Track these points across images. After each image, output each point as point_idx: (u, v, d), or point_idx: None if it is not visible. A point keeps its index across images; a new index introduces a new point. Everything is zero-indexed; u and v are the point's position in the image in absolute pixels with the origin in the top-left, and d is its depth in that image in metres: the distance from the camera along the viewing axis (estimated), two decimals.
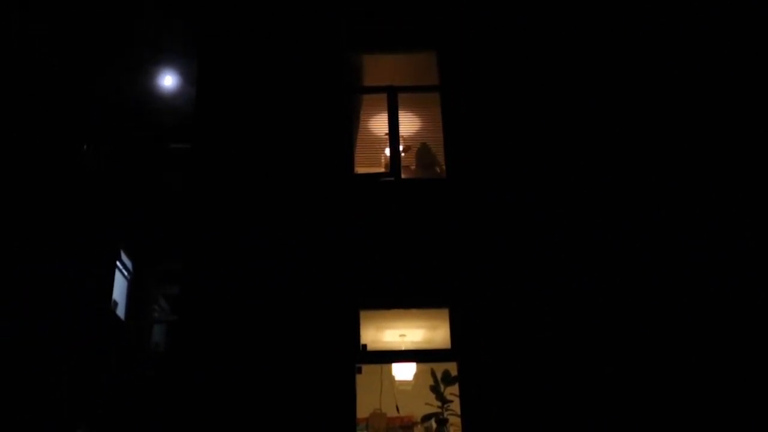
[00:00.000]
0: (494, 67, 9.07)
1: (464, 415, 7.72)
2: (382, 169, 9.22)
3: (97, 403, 12.51)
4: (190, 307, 8.07)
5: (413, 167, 9.71)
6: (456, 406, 8.28)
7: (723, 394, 7.55)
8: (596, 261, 8.13)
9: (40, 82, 12.25)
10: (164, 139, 13.97)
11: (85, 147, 13.34)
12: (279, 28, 9.24)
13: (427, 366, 9.26)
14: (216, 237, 8.26)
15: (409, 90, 9.27)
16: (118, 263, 13.81)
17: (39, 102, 12.19)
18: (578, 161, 8.59)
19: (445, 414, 8.86)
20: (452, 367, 8.45)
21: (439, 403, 8.93)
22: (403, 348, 10.10)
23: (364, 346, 8.05)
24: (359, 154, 9.47)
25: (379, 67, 9.85)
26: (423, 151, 9.78)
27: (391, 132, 8.99)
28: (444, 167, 9.12)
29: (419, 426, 9.33)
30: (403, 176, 8.96)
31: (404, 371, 9.79)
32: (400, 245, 8.27)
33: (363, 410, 8.67)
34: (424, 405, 9.04)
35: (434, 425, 8.96)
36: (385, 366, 9.67)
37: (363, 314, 8.10)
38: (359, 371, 7.86)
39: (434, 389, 9.02)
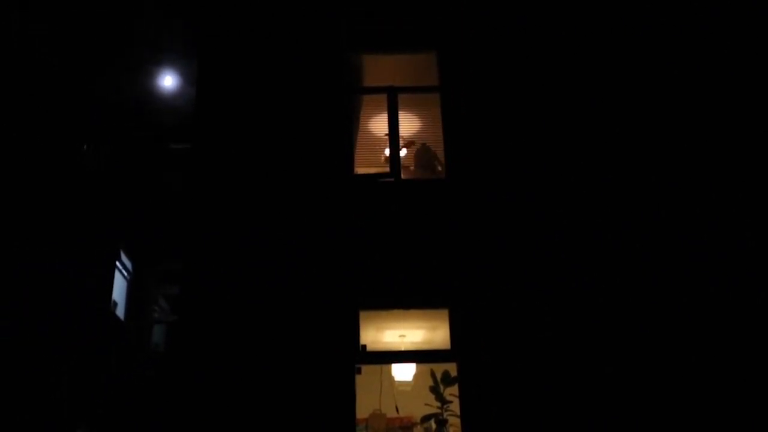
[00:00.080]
0: (494, 67, 9.07)
1: (464, 416, 7.73)
2: (382, 170, 9.21)
3: (97, 403, 12.51)
4: (190, 307, 8.08)
5: (412, 167, 9.71)
6: (455, 406, 8.29)
7: (723, 394, 7.55)
8: (596, 261, 8.13)
9: (40, 82, 12.24)
10: (164, 139, 13.96)
11: (85, 147, 13.33)
12: (279, 28, 9.24)
13: (426, 366, 9.26)
14: (216, 237, 8.26)
15: (409, 90, 9.27)
16: (117, 263, 13.80)
17: (39, 102, 12.18)
18: (578, 161, 8.59)
19: (445, 415, 8.86)
20: (452, 368, 8.45)
21: (439, 404, 8.93)
22: (402, 348, 10.11)
23: (364, 346, 8.05)
24: (359, 155, 9.48)
25: (379, 68, 9.85)
26: (422, 151, 9.78)
27: (391, 132, 8.99)
28: (443, 167, 9.14)
29: (419, 426, 9.33)
30: (403, 176, 8.95)
31: (404, 372, 9.79)
32: (400, 246, 8.27)
33: (362, 411, 8.67)
34: (423, 405, 9.04)
35: (434, 426, 8.96)
36: (384, 366, 9.67)
37: (363, 315, 8.11)
38: (359, 372, 7.86)
39: (434, 390, 9.02)
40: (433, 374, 9.07)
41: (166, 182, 13.85)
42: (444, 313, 8.37)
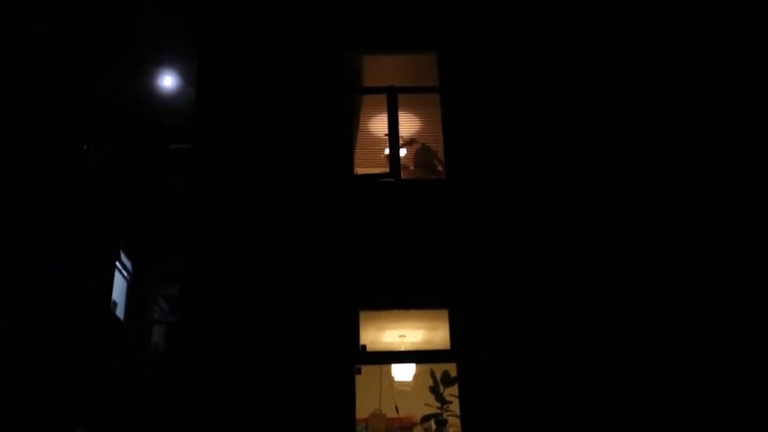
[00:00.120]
0: (494, 67, 9.07)
1: (463, 416, 7.73)
2: (382, 170, 9.21)
3: (97, 403, 12.50)
4: (190, 307, 8.08)
5: (412, 167, 9.70)
6: (455, 407, 8.29)
7: (723, 394, 7.55)
8: (596, 261, 8.13)
9: (40, 82, 12.24)
10: (164, 139, 13.96)
11: (85, 147, 13.33)
12: (279, 28, 9.24)
13: (426, 367, 9.26)
14: (216, 237, 8.26)
15: (409, 91, 9.26)
16: (117, 264, 13.80)
17: (39, 102, 12.18)
18: (578, 162, 8.59)
19: (445, 415, 8.87)
20: (452, 368, 8.45)
21: (439, 404, 8.93)
22: (402, 349, 10.10)
23: (364, 346, 8.04)
24: (359, 155, 9.48)
25: (379, 68, 9.85)
26: (421, 151, 9.78)
27: (391, 133, 8.98)
28: (443, 166, 9.14)
29: (418, 427, 9.34)
30: (402, 177, 8.95)
31: (404, 372, 9.80)
32: (400, 246, 8.27)
33: (362, 411, 8.69)
34: (423, 406, 9.05)
35: (433, 426, 8.97)
36: (384, 367, 9.68)
37: (362, 315, 8.10)
38: (359, 372, 7.85)
39: (434, 390, 9.02)
40: (432, 374, 9.07)
41: (166, 182, 13.85)
42: (444, 314, 8.37)
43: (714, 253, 8.10)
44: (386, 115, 9.06)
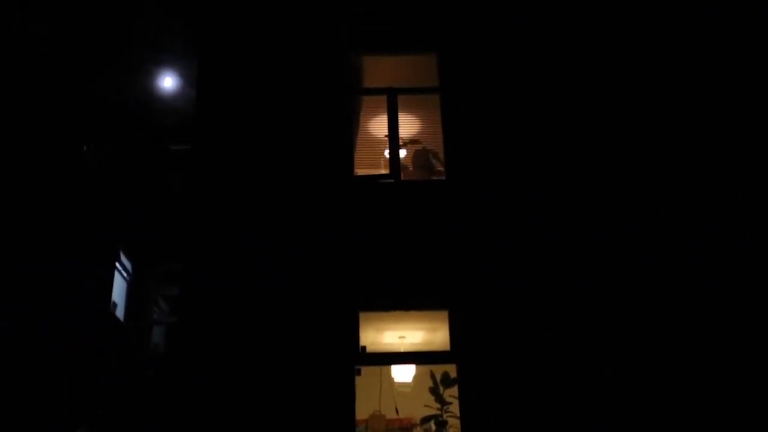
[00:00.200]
0: (494, 69, 9.06)
1: (463, 417, 7.72)
2: (382, 171, 9.20)
3: (97, 403, 12.51)
4: (190, 308, 8.07)
5: (411, 168, 9.70)
6: (455, 408, 8.29)
7: (723, 395, 7.55)
8: (596, 262, 8.13)
9: (40, 82, 12.24)
10: (164, 139, 13.96)
11: (85, 147, 13.32)
12: (279, 28, 9.23)
13: (426, 368, 9.26)
14: (216, 238, 8.26)
15: (409, 92, 9.25)
16: (117, 264, 13.80)
17: (39, 102, 12.18)
18: (578, 162, 8.59)
19: (445, 416, 8.87)
20: (451, 369, 8.44)
21: (439, 405, 8.93)
22: (402, 350, 10.09)
23: (364, 347, 8.05)
24: (359, 156, 9.47)
25: (379, 69, 9.85)
26: (420, 152, 9.77)
27: (391, 134, 8.97)
28: (441, 168, 9.13)
29: (418, 428, 9.36)
30: (402, 178, 8.95)
31: (403, 373, 9.80)
32: (400, 247, 8.26)
33: (362, 412, 8.69)
34: (423, 407, 9.05)
35: (433, 427, 8.97)
36: (384, 368, 9.68)
37: (362, 316, 8.10)
38: (358, 373, 7.85)
39: (433, 391, 9.02)
40: (432, 375, 9.06)
41: (166, 183, 13.85)
42: (444, 315, 8.37)
43: (714, 253, 8.10)
44: (386, 116, 9.06)
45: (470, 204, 8.44)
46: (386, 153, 9.37)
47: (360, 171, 9.28)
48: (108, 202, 13.54)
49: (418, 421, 9.27)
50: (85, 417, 12.22)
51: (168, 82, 13.64)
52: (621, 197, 8.40)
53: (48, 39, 12.24)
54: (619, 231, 8.23)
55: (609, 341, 7.80)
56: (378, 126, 9.77)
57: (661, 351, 7.73)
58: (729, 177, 8.47)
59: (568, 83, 8.97)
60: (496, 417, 7.59)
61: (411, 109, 9.67)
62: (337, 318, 7.93)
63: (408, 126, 9.83)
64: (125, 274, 14.38)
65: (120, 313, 14.02)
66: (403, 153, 9.46)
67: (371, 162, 9.94)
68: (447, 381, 8.86)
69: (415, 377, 9.80)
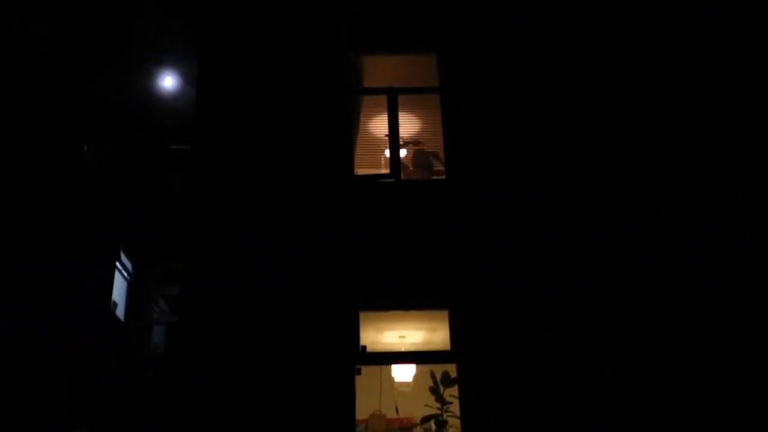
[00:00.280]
0: (494, 68, 9.06)
1: (464, 417, 7.72)
2: (382, 171, 9.20)
3: (97, 403, 12.51)
4: (190, 307, 8.08)
5: (410, 168, 9.70)
6: (455, 407, 8.28)
7: (723, 395, 7.55)
8: (596, 262, 8.13)
9: (40, 82, 12.24)
10: (164, 139, 13.96)
11: (85, 147, 13.32)
12: (279, 28, 9.23)
13: (426, 367, 9.25)
14: (216, 238, 8.26)
15: (409, 91, 9.26)
16: (117, 264, 13.80)
17: (39, 102, 12.18)
18: (578, 162, 8.59)
19: (445, 415, 8.85)
20: (452, 369, 8.43)
21: (439, 405, 8.92)
22: (402, 349, 10.09)
23: (364, 347, 8.05)
24: (359, 156, 9.47)
25: (379, 69, 9.86)
26: (419, 152, 9.77)
27: (391, 133, 8.97)
28: (440, 168, 9.13)
29: (418, 427, 9.34)
30: (402, 177, 8.94)
31: (404, 373, 9.79)
32: (400, 247, 8.26)
33: (362, 411, 8.68)
34: (423, 406, 9.04)
35: (433, 427, 8.96)
36: (384, 367, 9.67)
37: (362, 316, 8.10)
38: (359, 372, 7.85)
39: (434, 391, 9.00)
40: (432, 375, 9.05)
41: (166, 182, 13.85)
42: (444, 314, 8.37)
43: (714, 253, 8.10)
44: (386, 115, 9.06)
45: (470, 204, 8.45)
46: (386, 153, 9.37)
47: (360, 171, 9.28)
48: (108, 202, 13.54)
49: (418, 421, 9.25)
50: (85, 417, 12.22)
51: (168, 82, 13.65)
52: (621, 197, 8.40)
53: (48, 39, 12.24)
54: (619, 231, 8.23)
55: (609, 341, 7.80)
56: (378, 126, 9.77)
57: (661, 351, 7.73)
58: (729, 177, 8.47)
59: (568, 83, 8.97)
60: (496, 417, 7.59)
61: (411, 109, 9.68)
62: (337, 318, 7.93)
63: (408, 126, 9.83)
64: (125, 274, 14.38)
65: (120, 313, 14.01)
66: (403, 153, 9.45)
67: (371, 162, 9.95)
68: (447, 381, 8.85)
69: (416, 377, 9.78)
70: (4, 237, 11.06)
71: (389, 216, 8.42)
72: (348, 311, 8.00)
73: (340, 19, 9.37)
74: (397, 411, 9.57)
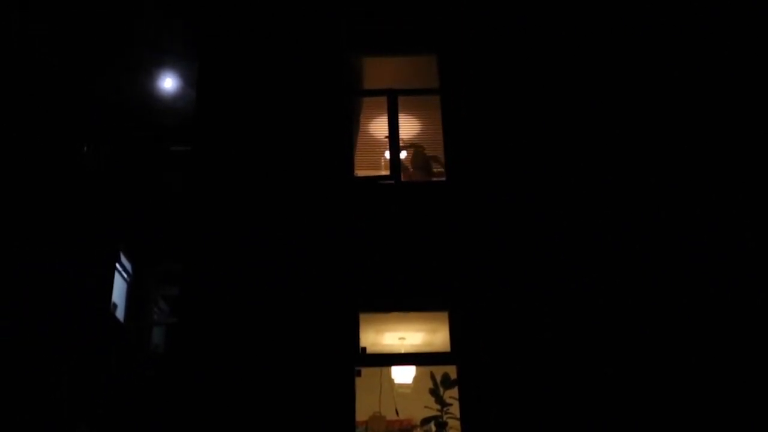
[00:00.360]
0: (494, 69, 9.06)
1: (464, 419, 7.71)
2: (382, 172, 9.20)
3: (97, 403, 12.51)
4: (190, 308, 8.08)
5: (410, 169, 9.69)
6: (455, 409, 8.28)
7: (723, 395, 7.55)
8: (596, 262, 8.13)
9: (40, 82, 12.24)
10: (164, 139, 13.96)
11: (85, 147, 13.32)
12: (279, 29, 9.23)
13: (426, 369, 9.25)
14: (216, 238, 8.26)
15: (410, 93, 9.25)
16: (117, 265, 13.79)
17: (39, 102, 12.18)
18: (578, 163, 8.59)
19: (445, 417, 8.85)
20: (452, 371, 8.43)
21: (439, 407, 8.91)
22: (402, 351, 10.10)
23: (364, 349, 8.05)
24: (359, 157, 9.48)
25: (380, 70, 9.86)
26: (418, 153, 9.76)
27: (391, 135, 8.97)
28: (438, 169, 9.13)
29: (418, 429, 9.34)
30: (402, 179, 8.94)
31: (404, 374, 9.79)
32: (400, 248, 8.27)
33: (362, 413, 8.69)
34: (423, 408, 9.04)
35: (433, 428, 8.95)
36: (384, 369, 9.66)
37: (362, 317, 8.10)
38: (358, 374, 7.85)
39: (434, 392, 9.00)
40: (432, 377, 9.05)
41: (166, 183, 13.84)
42: (444, 316, 8.36)
43: (714, 253, 8.10)
44: (386, 117, 9.05)
45: (470, 205, 8.44)
46: (386, 154, 9.36)
47: (360, 172, 9.28)
48: (108, 202, 13.53)
49: (418, 423, 9.25)
50: (85, 417, 12.22)
51: (168, 82, 13.64)
52: (621, 197, 8.40)
53: (48, 39, 12.23)
54: (619, 231, 8.23)
55: (609, 341, 7.80)
56: (378, 127, 9.77)
57: (661, 351, 7.73)
58: (729, 177, 8.47)
59: (568, 84, 8.97)
60: (497, 418, 7.59)
61: (411, 110, 9.68)
62: (337, 319, 7.93)
63: (408, 127, 9.83)
64: (125, 275, 14.38)
65: (120, 313, 14.00)
66: (403, 154, 9.45)
67: (371, 163, 9.95)
68: (447, 382, 8.85)
69: (415, 378, 9.78)
70: (4, 237, 11.06)
71: (389, 217, 8.42)
72: (348, 312, 8.00)
73: (340, 19, 9.37)
74: (397, 412, 9.57)
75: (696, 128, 8.70)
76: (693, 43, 9.11)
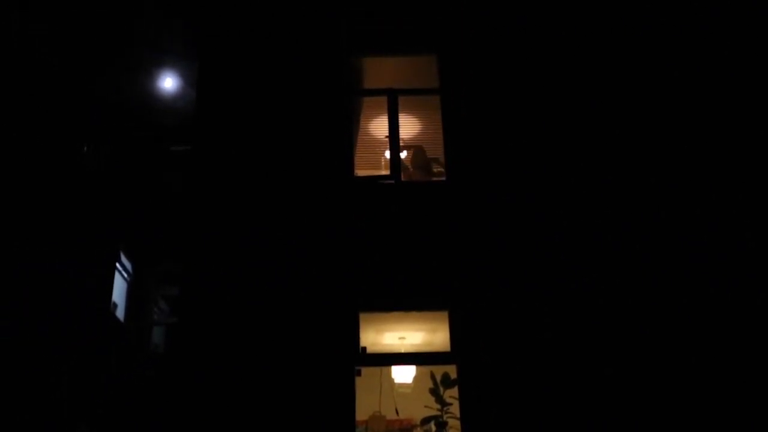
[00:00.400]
0: (495, 69, 9.06)
1: (464, 418, 7.71)
2: (383, 172, 9.20)
3: (97, 403, 12.50)
4: (190, 308, 8.08)
5: (410, 168, 9.69)
6: (455, 408, 8.28)
7: (723, 395, 7.55)
8: (596, 262, 8.13)
9: (40, 82, 12.24)
10: (164, 139, 13.95)
11: (85, 147, 13.32)
12: (279, 29, 9.23)
13: (426, 369, 9.25)
14: (216, 238, 8.26)
15: (410, 93, 9.25)
16: (117, 264, 13.78)
17: (39, 102, 12.17)
18: (578, 163, 8.59)
19: (445, 417, 8.85)
20: (452, 370, 8.43)
21: (439, 406, 8.91)
22: (402, 351, 10.09)
23: (364, 348, 8.05)
24: (359, 157, 9.48)
25: (380, 70, 9.85)
26: (418, 153, 9.76)
27: (391, 134, 8.96)
28: (438, 169, 9.12)
29: (418, 429, 9.36)
30: (402, 179, 8.94)
31: (404, 374, 9.79)
32: (400, 247, 8.27)
33: (362, 413, 8.69)
34: (423, 408, 9.04)
35: (434, 428, 8.96)
36: (384, 369, 9.67)
37: (362, 317, 8.10)
38: (358, 374, 7.84)
39: (434, 392, 9.00)
40: (433, 376, 9.05)
41: (166, 183, 13.84)
42: (444, 316, 8.35)
43: (714, 253, 8.10)
44: (386, 117, 9.05)
45: (470, 204, 8.44)
46: (386, 154, 9.36)
47: (360, 172, 9.29)
48: (108, 202, 13.53)
49: (418, 422, 9.26)
50: (85, 417, 12.21)
51: (168, 82, 13.63)
52: (621, 197, 8.40)
53: (48, 39, 12.23)
54: (619, 231, 8.23)
55: (609, 341, 7.80)
56: (378, 127, 9.77)
57: (661, 351, 7.73)
58: (729, 177, 8.47)
59: (568, 84, 8.97)
60: (497, 418, 7.59)
61: (411, 110, 9.68)
62: (337, 318, 7.93)
63: (408, 127, 9.84)
64: (125, 275, 14.37)
65: (120, 313, 14.00)
66: (403, 154, 9.45)
67: (371, 163, 9.95)
68: (447, 382, 8.85)
69: (416, 378, 9.78)
70: (4, 237, 11.06)
71: (389, 217, 8.42)
72: (348, 312, 8.00)
73: (340, 19, 9.37)
74: (397, 412, 9.57)
75: (696, 128, 8.71)
76: (693, 43, 9.11)
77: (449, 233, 8.33)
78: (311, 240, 8.20)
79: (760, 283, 7.95)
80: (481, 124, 8.78)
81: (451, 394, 8.67)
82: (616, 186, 8.45)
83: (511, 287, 8.06)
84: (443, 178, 8.95)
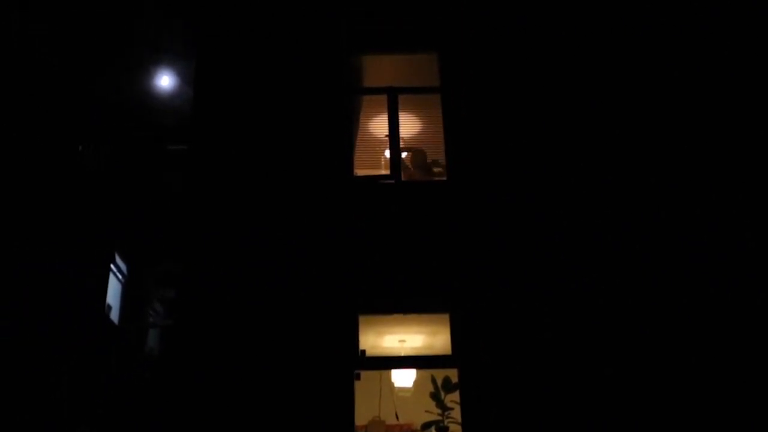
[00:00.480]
0: (495, 68, 9.02)
1: (465, 423, 7.64)
2: (382, 171, 9.17)
3: (97, 403, 12.50)
4: (189, 308, 8.05)
5: (410, 168, 9.67)
6: (457, 413, 8.22)
7: (723, 395, 7.53)
8: (596, 262, 8.10)
9: (40, 82, 12.23)
10: (163, 139, 13.95)
11: (83, 147, 13.31)
12: (279, 28, 9.20)
13: (427, 372, 9.24)
14: (215, 239, 8.24)
15: (410, 91, 9.22)
16: (111, 266, 13.76)
17: (39, 102, 12.17)
18: (578, 163, 8.56)
19: (446, 421, 8.82)
20: (453, 374, 8.41)
21: (440, 411, 8.90)
22: (402, 354, 10.00)
23: (363, 351, 7.99)
24: (359, 156, 9.45)
25: (380, 68, 9.81)
26: (417, 152, 9.74)
27: (392, 134, 8.93)
28: (437, 170, 9.10)
29: None
30: (403, 178, 8.91)
31: (404, 378, 9.74)
32: (400, 248, 8.23)
33: (362, 417, 8.67)
34: (424, 412, 9.02)
35: None
36: (384, 372, 9.65)
37: (362, 319, 8.06)
38: (358, 377, 7.79)
39: (434, 396, 8.97)
40: (433, 380, 9.02)
41: (165, 183, 13.83)
42: (444, 318, 8.30)
43: (714, 253, 8.07)
44: (386, 115, 9.02)
45: (471, 205, 8.41)
46: (386, 153, 9.34)
47: (360, 171, 9.26)
48: (107, 202, 13.52)
49: (418, 427, 9.19)
50: (85, 417, 12.21)
51: (167, 82, 13.63)
52: (621, 197, 8.37)
53: (48, 39, 12.23)
54: (619, 231, 8.20)
55: (609, 341, 7.77)
56: (378, 126, 9.74)
57: (661, 351, 7.71)
58: (729, 177, 8.45)
59: (569, 83, 8.94)
60: (499, 422, 7.54)
61: (411, 109, 9.65)
62: (336, 321, 7.89)
63: (408, 126, 9.81)
64: (119, 276, 14.34)
65: (114, 315, 13.96)
66: (403, 154, 9.41)
67: (371, 162, 9.92)
68: (448, 386, 8.82)
69: (416, 382, 9.74)
70: (2, 237, 11.05)
71: (389, 217, 8.38)
72: (347, 314, 7.96)
73: (340, 18, 9.34)
74: (397, 417, 9.55)
75: (696, 128, 8.68)
76: (693, 43, 9.08)
77: (449, 233, 8.30)
78: (310, 240, 8.17)
79: (760, 283, 7.93)
80: (482, 123, 8.74)
81: (453, 399, 8.64)
82: (616, 186, 8.42)
83: (511, 287, 8.03)
84: (443, 178, 8.91)
